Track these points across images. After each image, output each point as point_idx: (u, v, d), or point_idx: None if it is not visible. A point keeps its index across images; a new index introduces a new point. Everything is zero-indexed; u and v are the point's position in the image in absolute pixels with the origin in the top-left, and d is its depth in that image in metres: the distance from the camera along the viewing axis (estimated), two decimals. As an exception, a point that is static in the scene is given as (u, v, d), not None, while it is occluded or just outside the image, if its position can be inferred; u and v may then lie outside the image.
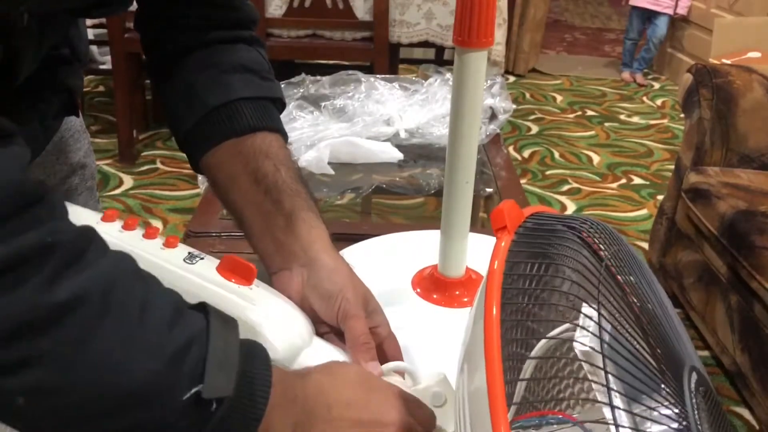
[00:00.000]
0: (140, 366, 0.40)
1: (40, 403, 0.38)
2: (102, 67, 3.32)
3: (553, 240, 0.47)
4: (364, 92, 1.46)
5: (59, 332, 0.37)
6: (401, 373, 0.61)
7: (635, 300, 0.46)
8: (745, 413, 1.75)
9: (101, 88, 3.61)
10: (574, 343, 0.42)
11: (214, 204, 1.12)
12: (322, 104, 1.44)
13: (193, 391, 0.41)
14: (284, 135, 0.70)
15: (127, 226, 0.61)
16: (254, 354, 0.47)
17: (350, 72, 1.56)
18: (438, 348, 0.67)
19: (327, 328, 0.62)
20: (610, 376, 0.39)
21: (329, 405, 0.49)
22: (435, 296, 0.83)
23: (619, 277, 0.46)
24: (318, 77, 1.56)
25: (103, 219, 0.61)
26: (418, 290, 0.84)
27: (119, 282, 0.41)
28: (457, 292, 0.83)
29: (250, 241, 0.66)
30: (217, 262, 0.61)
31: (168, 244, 0.60)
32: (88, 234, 0.41)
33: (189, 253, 0.60)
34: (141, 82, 3.06)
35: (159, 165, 2.83)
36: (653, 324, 0.45)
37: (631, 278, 0.47)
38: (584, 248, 0.46)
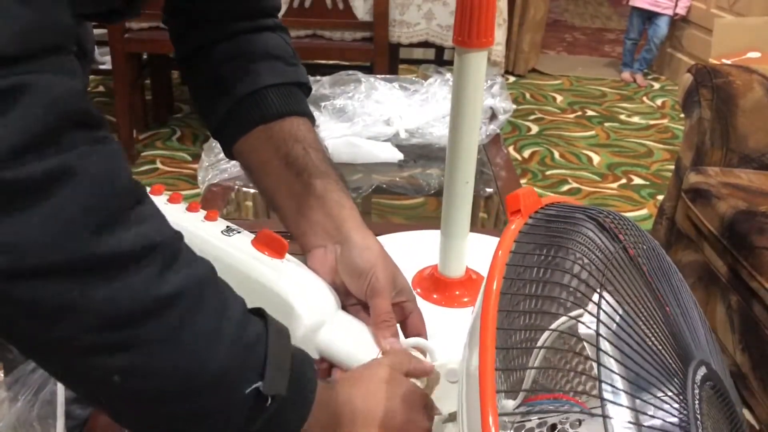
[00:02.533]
0: (218, 357, 0.43)
1: (132, 382, 0.41)
2: (102, 67, 3.31)
3: (569, 225, 0.48)
4: (364, 92, 1.46)
5: (160, 322, 0.40)
6: (420, 349, 0.63)
7: (653, 287, 0.46)
8: (745, 413, 1.75)
9: (101, 88, 3.61)
10: (579, 327, 0.42)
11: (214, 204, 1.13)
12: (322, 104, 1.44)
13: (255, 386, 0.44)
14: (311, 118, 0.72)
15: (172, 200, 0.66)
16: (304, 359, 0.51)
17: (350, 72, 1.56)
18: (438, 348, 0.67)
19: (356, 302, 0.65)
20: (613, 363, 0.40)
21: (354, 413, 0.53)
22: (435, 296, 0.83)
23: (640, 261, 0.47)
24: (318, 77, 1.56)
25: (151, 192, 0.65)
26: (418, 290, 0.84)
27: (208, 281, 0.44)
28: (457, 292, 0.83)
29: (285, 222, 0.69)
30: (252, 236, 0.64)
31: (208, 218, 0.65)
32: (180, 236, 0.45)
33: (227, 226, 0.65)
34: (141, 82, 3.06)
35: (159, 165, 2.83)
36: (666, 314, 0.45)
37: (652, 267, 0.48)
38: (602, 232, 0.47)
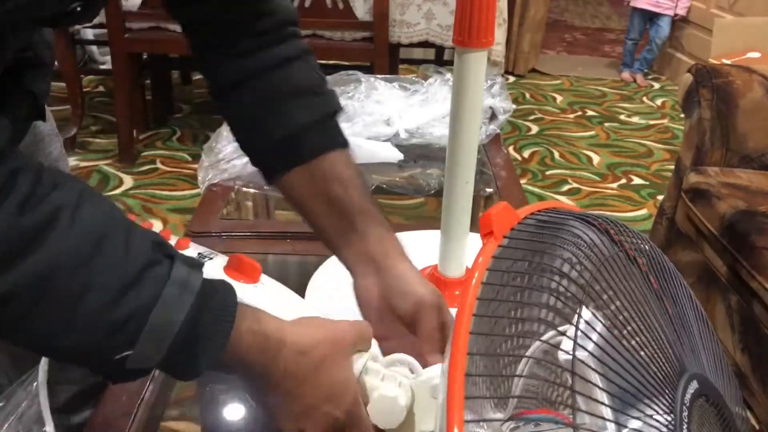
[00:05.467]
0: (71, 340, 0.47)
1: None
2: (102, 67, 3.32)
3: (555, 232, 0.46)
4: (364, 92, 1.46)
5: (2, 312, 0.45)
6: (405, 363, 0.62)
7: (651, 290, 0.46)
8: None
9: (101, 88, 3.60)
10: (558, 352, 0.41)
11: (214, 204, 1.13)
12: (322, 104, 1.43)
13: (123, 354, 0.47)
14: (347, 146, 0.75)
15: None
16: (211, 328, 0.51)
17: (350, 72, 1.56)
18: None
19: (402, 326, 0.67)
20: (597, 381, 0.39)
21: (285, 373, 0.54)
22: (435, 296, 0.83)
23: (639, 265, 0.46)
24: (318, 77, 1.56)
25: None
26: (418, 290, 0.83)
27: (66, 264, 0.46)
28: (457, 292, 0.83)
29: (333, 252, 0.73)
30: (225, 259, 0.64)
31: (179, 246, 0.64)
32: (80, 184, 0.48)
33: (199, 253, 0.64)
34: (141, 82, 3.06)
35: (159, 165, 2.83)
36: (660, 323, 0.44)
37: (650, 270, 0.47)
38: (597, 234, 0.46)
